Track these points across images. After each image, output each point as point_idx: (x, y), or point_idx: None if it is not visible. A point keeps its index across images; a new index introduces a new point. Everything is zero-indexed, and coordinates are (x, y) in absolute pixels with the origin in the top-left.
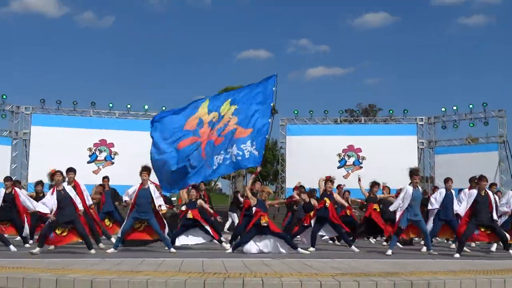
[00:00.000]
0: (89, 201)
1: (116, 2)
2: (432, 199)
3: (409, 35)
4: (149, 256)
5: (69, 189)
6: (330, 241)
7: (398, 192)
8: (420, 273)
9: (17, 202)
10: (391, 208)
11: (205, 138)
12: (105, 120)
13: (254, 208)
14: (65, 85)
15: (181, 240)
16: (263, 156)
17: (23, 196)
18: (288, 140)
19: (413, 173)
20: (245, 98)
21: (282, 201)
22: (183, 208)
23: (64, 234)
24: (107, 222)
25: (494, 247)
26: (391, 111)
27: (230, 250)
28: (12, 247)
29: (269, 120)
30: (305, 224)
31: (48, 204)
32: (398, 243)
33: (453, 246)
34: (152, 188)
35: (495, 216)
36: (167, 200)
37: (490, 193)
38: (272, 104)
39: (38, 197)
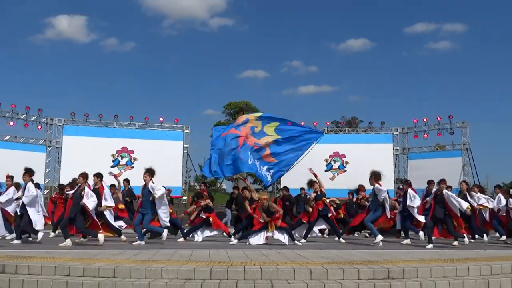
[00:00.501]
0: (111, 203)
1: (135, 30)
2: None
3: (385, 58)
4: (163, 247)
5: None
6: (319, 234)
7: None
8: (396, 261)
9: (101, 196)
10: (414, 205)
11: (244, 135)
12: (126, 131)
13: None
14: (92, 101)
15: (199, 235)
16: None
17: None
18: None
19: (442, 181)
20: (290, 137)
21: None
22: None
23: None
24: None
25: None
26: (370, 123)
27: (234, 242)
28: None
29: (294, 163)
30: (304, 221)
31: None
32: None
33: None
34: (151, 186)
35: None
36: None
37: (447, 193)
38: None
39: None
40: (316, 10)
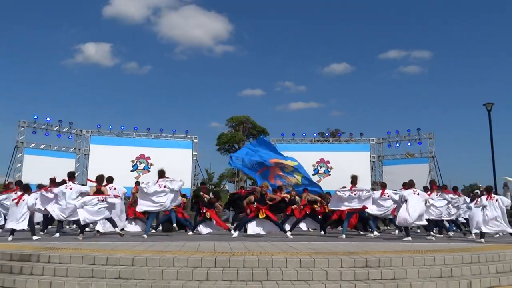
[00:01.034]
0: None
1: (152, 55)
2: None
3: (363, 79)
4: (174, 240)
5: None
6: (310, 229)
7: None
8: (373, 252)
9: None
10: (476, 206)
11: (272, 168)
12: (144, 140)
13: (255, 204)
14: (115, 115)
15: (202, 228)
16: None
17: None
18: None
19: (488, 189)
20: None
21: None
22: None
23: None
24: None
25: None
26: (351, 134)
27: (235, 235)
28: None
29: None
30: (288, 214)
31: None
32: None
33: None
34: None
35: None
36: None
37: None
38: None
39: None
40: (305, 39)
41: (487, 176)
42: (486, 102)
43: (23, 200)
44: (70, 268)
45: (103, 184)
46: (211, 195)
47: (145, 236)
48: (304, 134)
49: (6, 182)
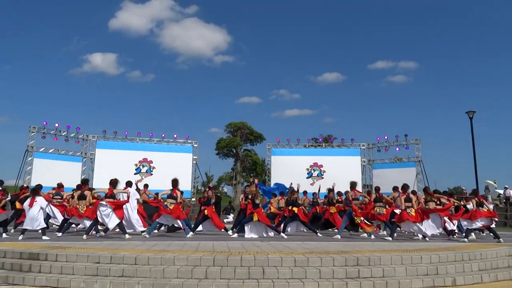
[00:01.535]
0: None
1: (155, 64)
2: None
3: (354, 88)
4: (175, 240)
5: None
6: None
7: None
8: (363, 251)
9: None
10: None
11: None
12: (147, 145)
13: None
14: (120, 121)
15: (203, 227)
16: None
17: None
18: (272, 159)
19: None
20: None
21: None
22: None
23: None
24: None
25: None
26: (342, 139)
27: (234, 236)
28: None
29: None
30: (284, 215)
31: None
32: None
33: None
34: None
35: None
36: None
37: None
38: None
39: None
40: (299, 50)
41: (470, 178)
42: (468, 110)
43: (36, 202)
44: (76, 267)
45: (116, 188)
46: (209, 192)
47: (147, 236)
48: (298, 140)
49: (25, 186)
